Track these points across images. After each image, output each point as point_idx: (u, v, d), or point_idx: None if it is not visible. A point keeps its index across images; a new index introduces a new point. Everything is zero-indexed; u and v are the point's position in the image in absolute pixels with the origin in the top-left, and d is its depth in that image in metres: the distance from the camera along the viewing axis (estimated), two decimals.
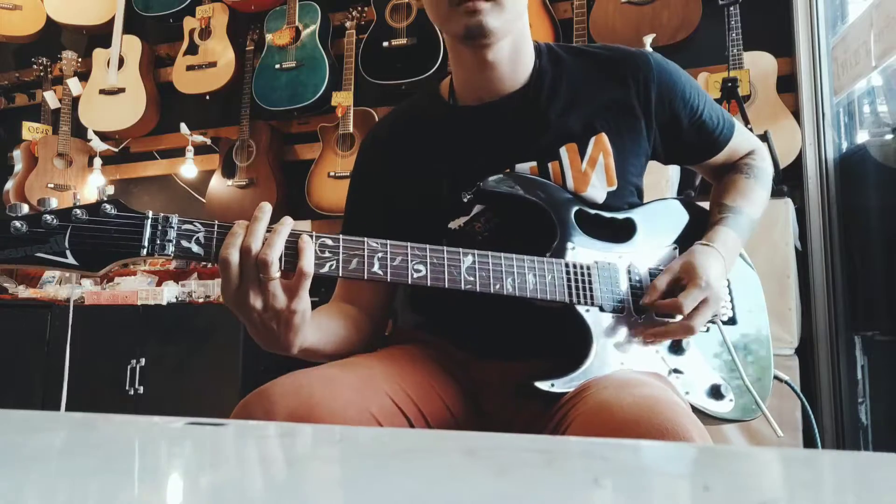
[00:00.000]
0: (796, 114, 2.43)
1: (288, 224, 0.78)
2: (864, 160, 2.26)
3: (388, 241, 0.83)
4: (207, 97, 3.34)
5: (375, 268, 0.82)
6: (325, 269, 0.80)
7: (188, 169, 3.40)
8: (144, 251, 0.75)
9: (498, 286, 0.86)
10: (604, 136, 0.97)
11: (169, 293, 2.74)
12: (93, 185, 3.60)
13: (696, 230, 1.03)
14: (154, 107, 3.51)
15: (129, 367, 2.63)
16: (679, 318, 0.92)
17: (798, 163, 2.38)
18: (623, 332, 0.92)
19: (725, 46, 2.37)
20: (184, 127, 3.32)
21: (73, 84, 3.57)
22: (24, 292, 3.19)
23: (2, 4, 3.65)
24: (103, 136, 3.51)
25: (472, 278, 0.85)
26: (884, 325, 2.17)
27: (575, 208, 0.95)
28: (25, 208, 0.73)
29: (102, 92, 3.49)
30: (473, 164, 0.97)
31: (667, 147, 1.04)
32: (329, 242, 0.81)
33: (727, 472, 0.43)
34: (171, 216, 0.77)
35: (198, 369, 2.64)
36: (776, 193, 2.12)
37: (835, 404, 2.21)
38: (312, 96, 3.09)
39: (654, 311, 0.93)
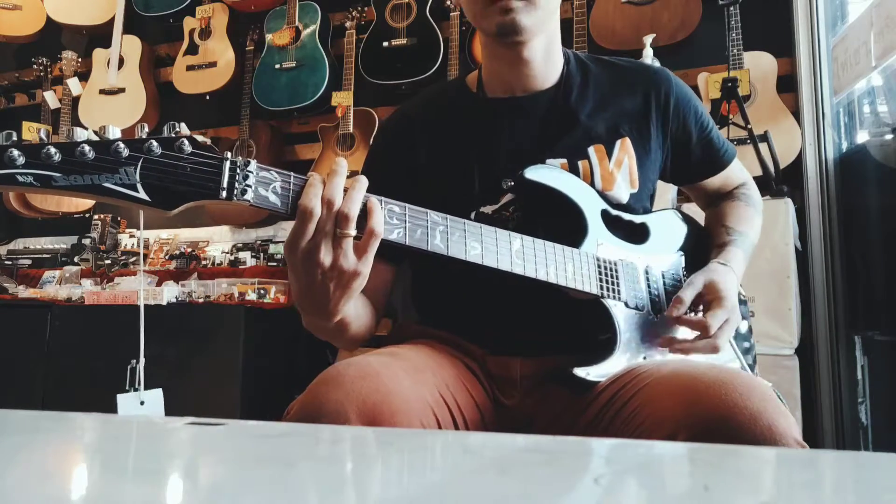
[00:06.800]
0: (796, 114, 2.43)
1: (364, 182, 0.76)
2: (864, 160, 2.26)
3: (447, 216, 0.82)
4: (207, 97, 3.34)
5: (437, 240, 0.80)
6: (394, 236, 0.78)
7: None
8: (224, 193, 0.69)
9: (542, 272, 0.87)
10: (628, 141, 1.01)
11: (169, 293, 2.74)
12: None
13: (695, 240, 1.10)
14: (154, 107, 3.50)
15: (129, 367, 2.63)
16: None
17: (798, 163, 2.37)
18: (643, 329, 0.96)
19: (725, 46, 2.37)
20: (184, 127, 3.31)
21: (73, 84, 3.57)
22: (24, 292, 3.19)
23: (2, 4, 3.65)
24: None
25: (520, 261, 0.86)
26: (884, 325, 2.17)
27: (601, 207, 0.99)
28: (85, 134, 0.64)
29: (102, 92, 3.49)
30: (503, 153, 1.00)
31: (675, 160, 1.08)
32: (396, 209, 0.78)
33: (727, 472, 0.43)
34: (249, 160, 0.72)
35: (198, 369, 2.64)
36: (776, 193, 2.13)
37: (835, 404, 2.21)
38: (312, 96, 3.09)
39: (679, 324, 0.95)
